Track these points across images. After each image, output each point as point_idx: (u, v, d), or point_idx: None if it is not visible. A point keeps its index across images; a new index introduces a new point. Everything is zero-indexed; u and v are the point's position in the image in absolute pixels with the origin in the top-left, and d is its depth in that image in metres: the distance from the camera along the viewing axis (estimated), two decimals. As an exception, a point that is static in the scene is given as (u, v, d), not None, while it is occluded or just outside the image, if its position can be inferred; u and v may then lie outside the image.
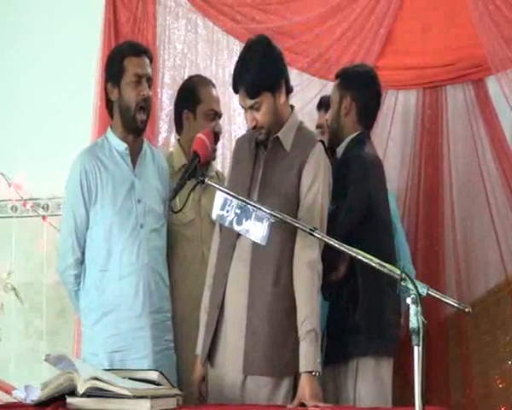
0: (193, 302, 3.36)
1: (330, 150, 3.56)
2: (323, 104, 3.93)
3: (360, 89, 3.52)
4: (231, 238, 3.04)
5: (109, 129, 3.48)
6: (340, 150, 3.50)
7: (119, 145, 3.42)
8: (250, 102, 3.03)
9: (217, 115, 3.71)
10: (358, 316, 3.28)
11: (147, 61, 3.43)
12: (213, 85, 3.80)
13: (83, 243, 3.39)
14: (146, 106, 3.39)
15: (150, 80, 3.44)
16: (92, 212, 3.37)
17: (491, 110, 4.13)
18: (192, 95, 3.70)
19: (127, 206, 3.37)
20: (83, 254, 3.39)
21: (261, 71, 3.00)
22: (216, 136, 3.65)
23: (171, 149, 4.08)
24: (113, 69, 3.42)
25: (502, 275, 4.07)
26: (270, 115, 3.04)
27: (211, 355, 3.07)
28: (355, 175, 3.35)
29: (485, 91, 4.15)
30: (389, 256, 3.33)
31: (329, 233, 3.00)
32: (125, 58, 3.39)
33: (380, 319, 3.28)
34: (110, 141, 3.44)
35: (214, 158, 3.79)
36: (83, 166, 3.38)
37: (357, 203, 3.33)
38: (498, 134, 4.11)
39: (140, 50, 3.44)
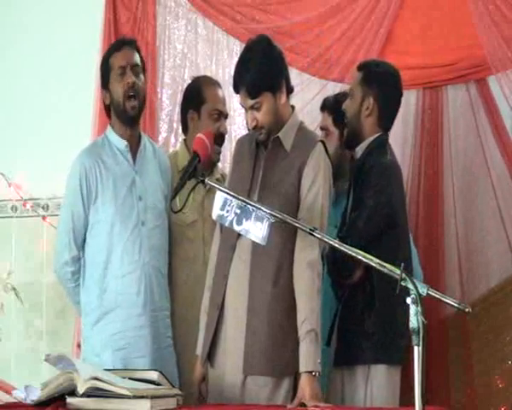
0: (194, 303, 3.36)
1: (346, 146, 3.56)
2: (327, 106, 3.88)
3: (384, 91, 3.46)
4: (231, 239, 3.04)
5: (109, 127, 3.49)
6: (359, 151, 3.46)
7: (119, 143, 3.42)
8: (251, 102, 3.03)
9: (222, 115, 3.69)
10: (373, 323, 3.26)
11: (131, 50, 3.43)
12: (219, 86, 3.78)
13: (80, 242, 3.39)
14: (135, 93, 3.38)
15: (137, 66, 3.42)
16: (92, 210, 3.37)
17: (494, 108, 4.12)
18: (197, 95, 3.69)
19: (128, 203, 3.37)
20: (80, 251, 3.39)
21: (261, 71, 3.00)
22: (221, 136, 3.66)
23: (176, 149, 4.07)
24: (102, 72, 3.45)
25: (503, 274, 4.07)
26: (270, 115, 3.04)
27: (211, 355, 3.07)
28: (378, 183, 3.31)
29: (486, 91, 4.15)
30: (405, 264, 3.33)
31: (348, 240, 3.01)
32: (110, 57, 3.42)
33: (394, 328, 3.24)
34: (110, 139, 3.45)
35: (219, 160, 3.79)
36: (82, 165, 3.38)
37: (379, 212, 3.30)
38: (503, 132, 4.11)
39: (122, 43, 3.45)
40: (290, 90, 3.12)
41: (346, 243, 2.88)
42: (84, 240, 3.40)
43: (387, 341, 3.26)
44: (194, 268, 3.54)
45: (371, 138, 3.45)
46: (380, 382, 3.26)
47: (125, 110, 3.38)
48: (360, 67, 3.55)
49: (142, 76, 3.44)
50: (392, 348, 3.27)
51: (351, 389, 3.30)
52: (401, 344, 3.27)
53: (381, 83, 3.48)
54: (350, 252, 2.56)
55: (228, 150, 4.33)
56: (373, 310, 3.26)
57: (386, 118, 3.50)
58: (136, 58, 3.43)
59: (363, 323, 3.27)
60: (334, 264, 3.19)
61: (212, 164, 3.66)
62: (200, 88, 3.72)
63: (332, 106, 3.77)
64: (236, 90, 3.08)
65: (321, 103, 3.97)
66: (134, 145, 3.45)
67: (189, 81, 4.00)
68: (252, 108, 3.04)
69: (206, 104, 3.66)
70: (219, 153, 3.72)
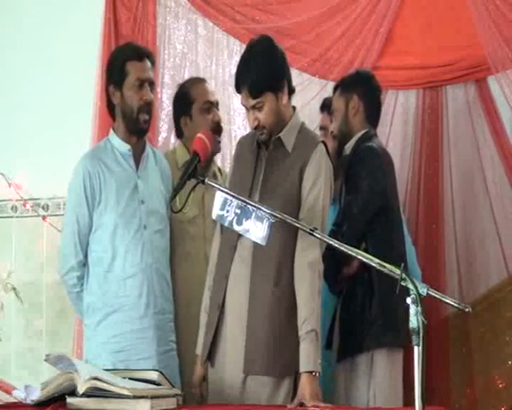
0: (195, 301, 3.38)
1: (338, 152, 3.60)
2: (327, 105, 3.93)
3: (364, 88, 3.59)
4: (232, 239, 3.04)
5: (112, 131, 3.48)
6: (348, 147, 3.53)
7: (122, 147, 3.42)
8: (252, 101, 3.02)
9: (212, 105, 3.70)
10: (374, 310, 3.30)
11: (149, 64, 3.43)
12: (205, 81, 3.81)
13: (85, 246, 3.39)
14: (148, 109, 3.40)
15: (153, 84, 3.44)
16: (96, 214, 3.37)
17: (493, 109, 4.13)
18: (185, 99, 3.71)
19: (131, 207, 3.37)
20: (85, 256, 3.39)
21: (263, 71, 3.00)
22: (217, 125, 3.67)
23: (174, 147, 4.06)
24: (115, 72, 3.41)
25: (503, 274, 4.07)
26: (272, 115, 3.03)
27: (211, 355, 3.07)
28: (371, 167, 3.38)
29: (486, 91, 4.15)
30: (400, 251, 3.37)
31: (345, 225, 3.04)
32: (127, 62, 3.39)
33: (394, 312, 3.27)
34: (113, 143, 3.44)
35: (219, 150, 3.80)
36: (86, 169, 3.38)
37: (374, 195, 3.36)
38: (501, 133, 4.11)
39: (143, 54, 3.43)
40: (292, 91, 3.12)
41: (343, 228, 2.94)
42: (88, 244, 3.40)
43: (389, 326, 3.28)
44: (196, 266, 3.54)
45: (359, 134, 3.54)
46: (384, 366, 3.30)
47: (138, 122, 3.38)
48: (336, 87, 3.69)
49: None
50: (394, 332, 3.29)
51: (355, 382, 3.32)
52: (401, 329, 3.29)
53: (359, 82, 3.62)
54: (350, 252, 2.56)
55: (228, 150, 4.34)
56: (373, 298, 3.29)
57: (372, 113, 3.60)
58: (153, 75, 3.45)
59: (364, 312, 3.30)
60: (333, 256, 3.19)
61: (210, 158, 3.66)
62: (186, 91, 3.74)
63: (331, 106, 3.80)
64: (238, 89, 3.07)
65: (320, 103, 4.00)
66: (138, 151, 3.45)
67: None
68: (253, 107, 3.04)
69: (196, 102, 3.67)
70: (219, 142, 3.72)
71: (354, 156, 3.45)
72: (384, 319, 3.29)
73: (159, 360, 3.30)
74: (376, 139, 3.57)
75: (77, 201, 3.39)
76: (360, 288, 3.34)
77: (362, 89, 3.57)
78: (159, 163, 3.52)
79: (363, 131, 3.54)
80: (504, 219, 4.09)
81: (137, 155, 3.44)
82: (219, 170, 3.77)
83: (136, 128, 3.40)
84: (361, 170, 3.38)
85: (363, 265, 3.24)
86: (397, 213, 3.50)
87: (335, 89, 3.67)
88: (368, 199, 3.34)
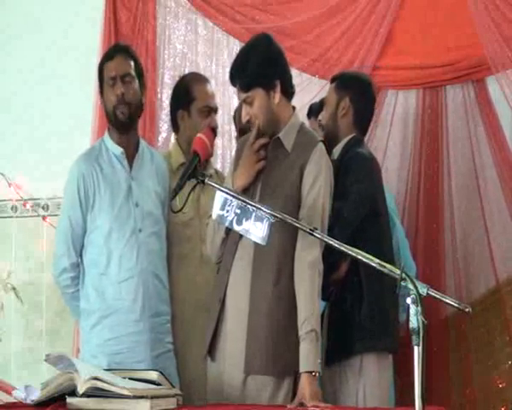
0: (191, 303, 3.37)
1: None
2: (313, 111, 3.95)
3: (358, 92, 3.53)
4: (234, 237, 3.03)
5: (106, 133, 3.48)
6: (336, 151, 3.51)
7: (116, 149, 3.41)
8: (243, 95, 3.05)
9: (212, 111, 3.68)
10: (364, 314, 3.29)
11: (123, 59, 3.40)
12: (208, 81, 3.78)
13: (79, 248, 3.38)
14: (124, 102, 3.36)
15: (128, 76, 3.38)
16: (90, 217, 3.36)
17: (491, 110, 4.13)
18: (185, 93, 3.66)
19: (125, 210, 3.36)
20: (79, 257, 3.39)
21: (253, 67, 3.01)
22: (213, 131, 3.65)
23: (169, 149, 4.07)
24: (99, 80, 3.44)
25: (502, 275, 4.08)
26: (263, 112, 3.03)
27: (212, 350, 3.06)
28: (359, 172, 3.36)
29: (486, 91, 4.16)
30: (389, 254, 3.37)
31: (335, 230, 3.05)
32: (103, 65, 3.41)
33: (384, 315, 3.28)
34: (107, 145, 3.44)
35: (212, 154, 3.79)
36: (80, 172, 3.37)
37: (364, 199, 3.35)
38: (498, 134, 4.11)
39: (114, 51, 3.43)
40: (291, 92, 3.11)
41: (334, 233, 2.94)
42: (83, 246, 3.40)
43: (378, 331, 3.28)
44: (192, 267, 3.53)
45: (347, 139, 3.51)
46: (372, 369, 3.29)
47: (116, 117, 3.37)
48: (333, 78, 3.64)
49: (135, 83, 3.40)
50: (384, 338, 3.30)
51: (343, 384, 3.32)
52: (392, 333, 3.30)
53: (355, 85, 3.56)
54: (350, 252, 2.56)
55: (228, 150, 4.34)
56: (363, 303, 3.29)
57: (361, 118, 3.55)
58: (127, 67, 3.40)
59: (354, 317, 3.30)
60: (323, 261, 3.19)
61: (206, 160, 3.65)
62: (188, 86, 3.69)
63: (318, 111, 3.81)
64: (232, 82, 3.10)
65: (307, 110, 3.99)
66: (131, 151, 3.43)
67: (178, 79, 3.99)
68: (245, 102, 3.06)
69: (196, 102, 3.64)
70: (213, 146, 3.71)
71: (343, 162, 3.44)
72: (374, 323, 3.29)
73: (154, 363, 3.28)
74: (364, 145, 3.56)
75: (70, 203, 3.39)
76: (349, 292, 3.33)
77: (356, 93, 3.52)
78: (155, 162, 3.50)
79: (350, 136, 3.51)
80: (496, 221, 4.09)
81: (131, 155, 3.43)
82: (216, 172, 3.75)
83: (117, 124, 3.38)
84: (350, 175, 3.36)
85: (352, 269, 3.26)
86: (385, 217, 3.49)
87: (333, 80, 3.63)
88: (358, 203, 3.34)
